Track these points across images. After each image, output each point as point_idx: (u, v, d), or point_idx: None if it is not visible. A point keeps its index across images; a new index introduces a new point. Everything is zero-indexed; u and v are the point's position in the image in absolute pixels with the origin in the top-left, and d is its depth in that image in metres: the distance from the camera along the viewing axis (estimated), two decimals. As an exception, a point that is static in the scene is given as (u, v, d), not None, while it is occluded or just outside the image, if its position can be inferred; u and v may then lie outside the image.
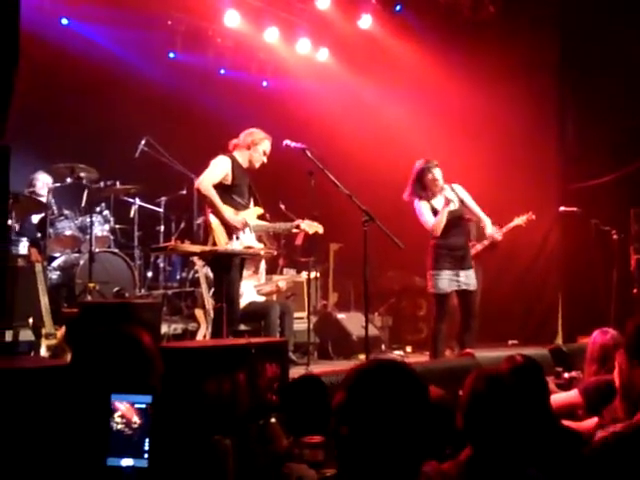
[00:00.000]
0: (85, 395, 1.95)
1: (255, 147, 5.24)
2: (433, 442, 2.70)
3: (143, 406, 1.87)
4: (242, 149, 5.24)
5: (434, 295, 5.70)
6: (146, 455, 1.85)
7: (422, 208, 5.70)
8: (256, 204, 5.38)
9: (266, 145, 5.29)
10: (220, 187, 5.05)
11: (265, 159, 5.31)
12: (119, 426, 1.86)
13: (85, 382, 1.97)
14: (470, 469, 2.14)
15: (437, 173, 5.67)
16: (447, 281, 5.64)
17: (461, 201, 5.80)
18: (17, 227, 6.20)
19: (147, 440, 1.86)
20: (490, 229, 5.97)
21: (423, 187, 5.70)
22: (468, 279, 5.72)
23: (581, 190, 7.70)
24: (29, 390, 2.67)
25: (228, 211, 5.03)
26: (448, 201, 5.65)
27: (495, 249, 6.60)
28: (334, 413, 1.63)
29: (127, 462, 1.85)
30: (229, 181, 5.11)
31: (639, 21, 7.25)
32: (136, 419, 1.86)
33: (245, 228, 5.11)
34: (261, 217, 5.42)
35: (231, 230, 5.03)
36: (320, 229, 5.45)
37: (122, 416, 1.86)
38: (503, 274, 8.00)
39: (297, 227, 5.44)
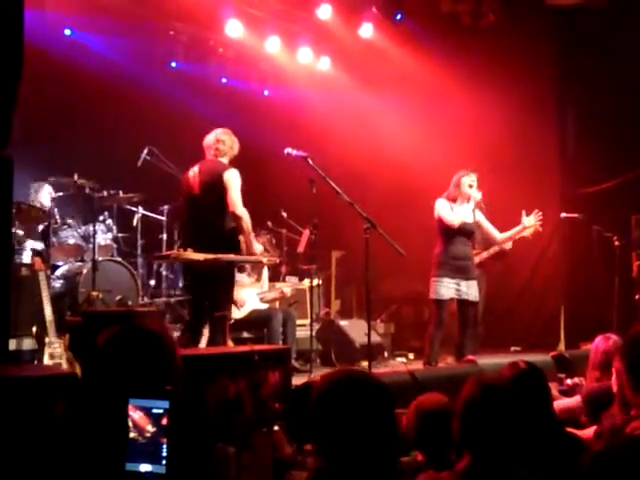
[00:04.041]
0: (103, 399, 1.95)
1: (234, 152, 5.22)
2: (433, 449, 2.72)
3: (160, 411, 1.85)
4: (228, 155, 5.19)
5: (433, 301, 5.79)
6: (164, 462, 1.84)
7: (441, 205, 5.85)
8: None
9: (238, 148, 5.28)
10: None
11: None
12: (132, 434, 1.84)
13: (103, 385, 1.96)
14: (467, 477, 2.14)
15: (475, 180, 5.88)
16: (447, 288, 5.73)
17: (476, 222, 5.97)
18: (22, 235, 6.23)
19: (164, 446, 1.84)
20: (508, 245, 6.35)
21: (457, 188, 5.86)
22: (469, 289, 5.81)
23: (583, 197, 7.72)
24: (32, 399, 2.68)
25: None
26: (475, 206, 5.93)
27: (503, 258, 6.66)
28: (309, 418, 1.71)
29: (145, 468, 1.85)
30: None
31: (637, 25, 7.29)
32: (150, 427, 1.84)
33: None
34: None
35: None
36: None
37: (135, 425, 1.85)
38: (506, 280, 8.00)
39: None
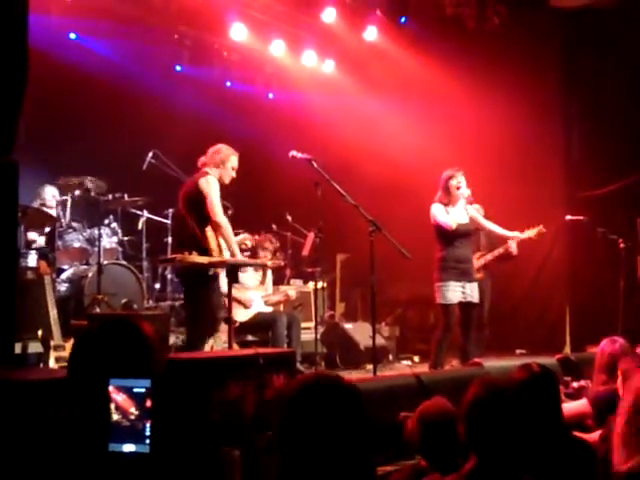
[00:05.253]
0: (84, 383, 1.96)
1: (224, 164, 5.23)
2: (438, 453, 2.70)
3: (142, 390, 1.86)
4: (212, 167, 5.22)
5: (442, 306, 5.76)
6: (147, 441, 1.85)
7: (436, 209, 5.85)
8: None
9: (234, 161, 5.28)
10: (206, 210, 5.05)
11: (234, 174, 5.29)
12: (115, 417, 1.85)
13: (85, 370, 1.97)
14: (473, 480, 2.13)
15: (462, 180, 5.85)
16: (453, 292, 5.72)
17: (471, 218, 5.95)
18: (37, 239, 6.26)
19: (148, 425, 1.85)
20: (512, 242, 6.29)
21: (447, 192, 5.85)
22: (472, 292, 5.83)
23: (587, 199, 7.71)
24: (38, 402, 2.68)
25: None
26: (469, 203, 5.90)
27: (508, 261, 6.64)
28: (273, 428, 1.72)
29: (129, 448, 1.85)
30: None
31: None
32: (133, 410, 1.85)
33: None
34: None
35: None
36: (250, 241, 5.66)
37: (118, 407, 1.85)
38: (511, 283, 7.99)
39: (245, 240, 5.59)
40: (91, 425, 1.87)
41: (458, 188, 5.82)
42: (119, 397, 1.85)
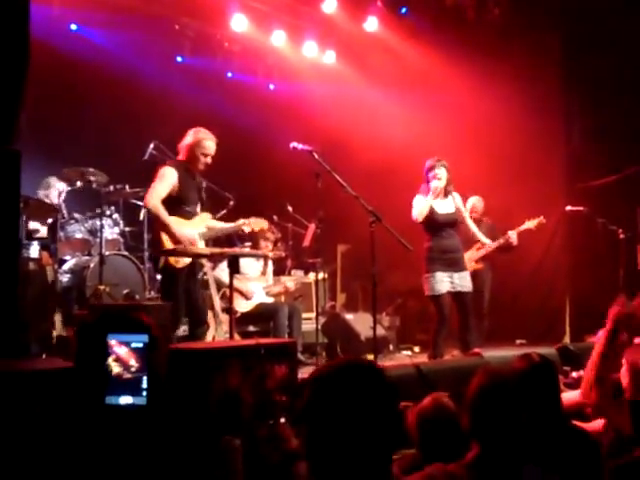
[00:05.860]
0: (86, 339, 1.98)
1: (193, 150, 5.15)
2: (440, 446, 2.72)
3: (140, 345, 1.90)
4: (184, 153, 5.19)
5: (431, 298, 5.76)
6: (144, 393, 1.88)
7: (415, 201, 5.84)
8: (203, 208, 5.33)
9: (205, 147, 5.15)
10: (168, 199, 4.99)
11: (208, 160, 5.18)
12: (116, 370, 1.89)
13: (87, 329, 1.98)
14: (476, 469, 2.16)
15: (440, 172, 5.79)
16: (441, 283, 5.70)
17: (457, 209, 5.94)
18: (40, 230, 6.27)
19: (145, 378, 1.88)
20: (513, 233, 6.32)
21: (427, 185, 5.84)
22: (462, 281, 5.80)
23: (587, 189, 7.71)
24: (42, 392, 2.70)
25: (176, 225, 4.97)
26: (438, 193, 5.79)
27: (509, 252, 6.65)
28: (298, 411, 1.67)
29: (126, 400, 1.88)
30: (177, 192, 5.04)
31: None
32: (133, 362, 1.88)
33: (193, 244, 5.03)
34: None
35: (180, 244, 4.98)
36: (265, 224, 5.51)
37: (118, 359, 1.88)
38: (511, 274, 8.00)
39: (243, 225, 5.40)
40: (88, 380, 1.89)
41: (434, 177, 5.79)
42: (121, 350, 1.88)
